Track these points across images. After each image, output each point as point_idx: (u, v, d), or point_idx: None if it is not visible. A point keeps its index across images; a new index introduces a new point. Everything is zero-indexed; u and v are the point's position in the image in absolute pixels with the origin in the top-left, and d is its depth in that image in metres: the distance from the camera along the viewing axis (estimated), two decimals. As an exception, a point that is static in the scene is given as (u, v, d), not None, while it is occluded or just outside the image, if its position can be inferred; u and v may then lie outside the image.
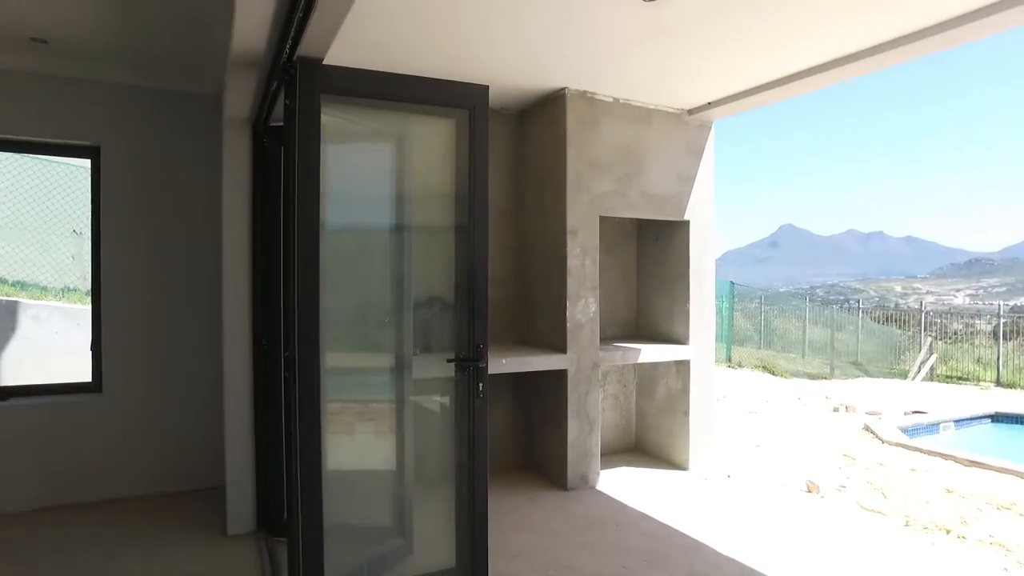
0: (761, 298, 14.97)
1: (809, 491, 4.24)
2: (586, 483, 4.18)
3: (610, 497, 4.04)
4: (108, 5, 3.03)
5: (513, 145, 4.61)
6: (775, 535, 3.49)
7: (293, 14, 1.89)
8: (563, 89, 4.03)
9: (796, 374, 11.23)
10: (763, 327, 14.31)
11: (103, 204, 3.94)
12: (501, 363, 3.74)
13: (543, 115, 4.33)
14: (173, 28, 3.26)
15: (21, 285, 5.54)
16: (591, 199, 4.14)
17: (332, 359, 2.38)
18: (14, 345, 4.83)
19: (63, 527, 3.52)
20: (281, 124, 3.04)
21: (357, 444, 2.95)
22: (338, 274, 2.49)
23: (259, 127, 3.24)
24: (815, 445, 5.51)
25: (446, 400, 2.84)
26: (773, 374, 10.88)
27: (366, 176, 2.78)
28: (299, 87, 2.17)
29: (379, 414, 3.04)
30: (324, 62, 2.22)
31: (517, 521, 3.63)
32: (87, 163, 4.03)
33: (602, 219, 4.25)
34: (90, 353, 4.03)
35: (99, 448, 3.91)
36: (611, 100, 4.19)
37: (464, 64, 3.57)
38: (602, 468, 4.33)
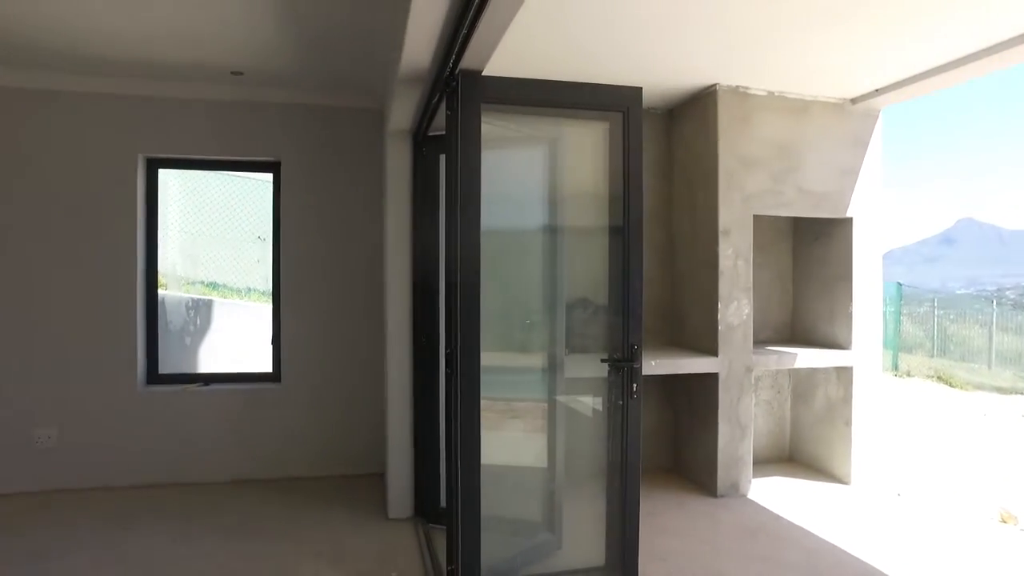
0: (934, 301, 13.46)
1: (1004, 521, 3.77)
2: (737, 491, 4.02)
3: (763, 507, 3.86)
4: (291, 41, 3.42)
5: (661, 144, 4.54)
6: (962, 567, 3.13)
7: (458, 32, 2.01)
8: (713, 86, 3.92)
9: (980, 387, 9.97)
10: (936, 333, 12.85)
11: (282, 212, 4.40)
12: (650, 364, 3.71)
13: (692, 113, 4.23)
14: (343, 54, 3.61)
15: (214, 285, 6.31)
16: (744, 198, 3.98)
17: (486, 357, 2.49)
18: (210, 338, 5.50)
19: (252, 498, 3.98)
20: (439, 133, 3.25)
21: (510, 440, 3.07)
22: (493, 275, 2.60)
23: (418, 137, 3.46)
24: (1010, 469, 4.89)
25: (598, 400, 2.87)
26: (950, 386, 9.76)
27: (520, 180, 2.89)
28: (460, 98, 2.30)
29: (531, 412, 3.14)
30: (483, 73, 2.35)
31: (664, 525, 3.58)
32: (269, 176, 4.52)
33: (755, 218, 4.07)
34: (271, 347, 4.52)
35: (278, 431, 4.37)
36: (765, 94, 4.00)
37: (612, 66, 3.58)
38: (753, 476, 4.15)
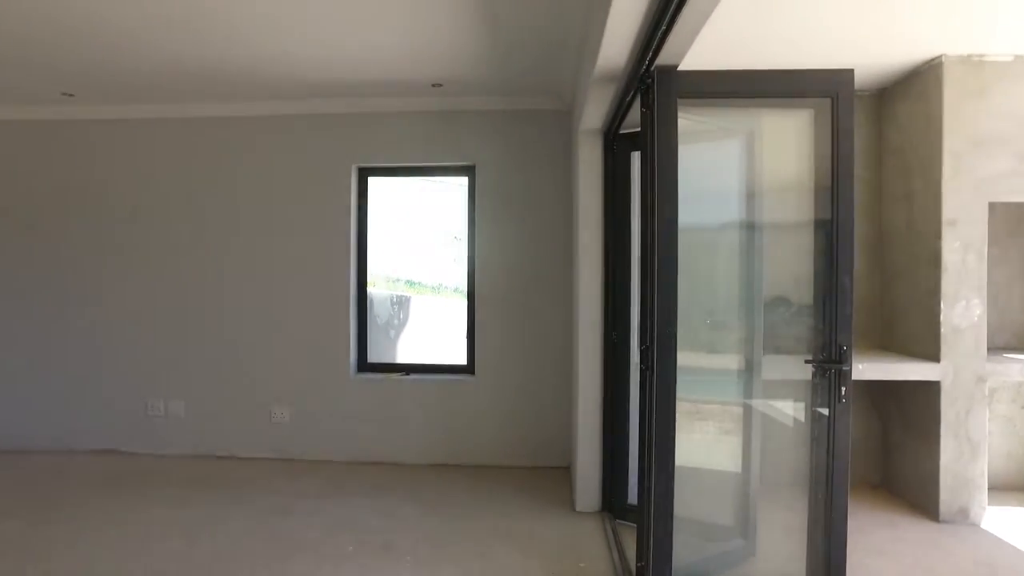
0: None
1: None
2: (966, 518, 3.54)
3: (1002, 540, 3.35)
4: (487, 51, 3.62)
5: (869, 130, 4.13)
6: None
7: (656, 30, 2.01)
8: (938, 58, 3.48)
9: None
10: None
11: (477, 213, 4.67)
12: (857, 368, 3.40)
13: (908, 92, 3.80)
14: (534, 60, 3.75)
15: (410, 283, 6.86)
16: (976, 183, 3.49)
17: (679, 356, 2.45)
18: (409, 331, 5.98)
19: (447, 481, 4.28)
20: (630, 131, 3.26)
21: (701, 441, 3.00)
22: (686, 272, 2.56)
23: (609, 135, 3.49)
24: None
25: (799, 404, 2.71)
26: None
27: (715, 174, 2.81)
28: (656, 94, 2.29)
29: (723, 413, 3.04)
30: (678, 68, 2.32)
31: (873, 545, 3.26)
32: (464, 180, 4.82)
33: (991, 205, 3.55)
34: (465, 341, 4.82)
35: (473, 421, 4.64)
36: (1010, 59, 3.45)
37: (813, 48, 3.33)
38: (989, 503, 3.62)
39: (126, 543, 3.28)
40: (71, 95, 4.48)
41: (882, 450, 4.13)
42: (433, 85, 4.24)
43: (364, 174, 4.84)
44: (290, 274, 4.74)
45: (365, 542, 3.31)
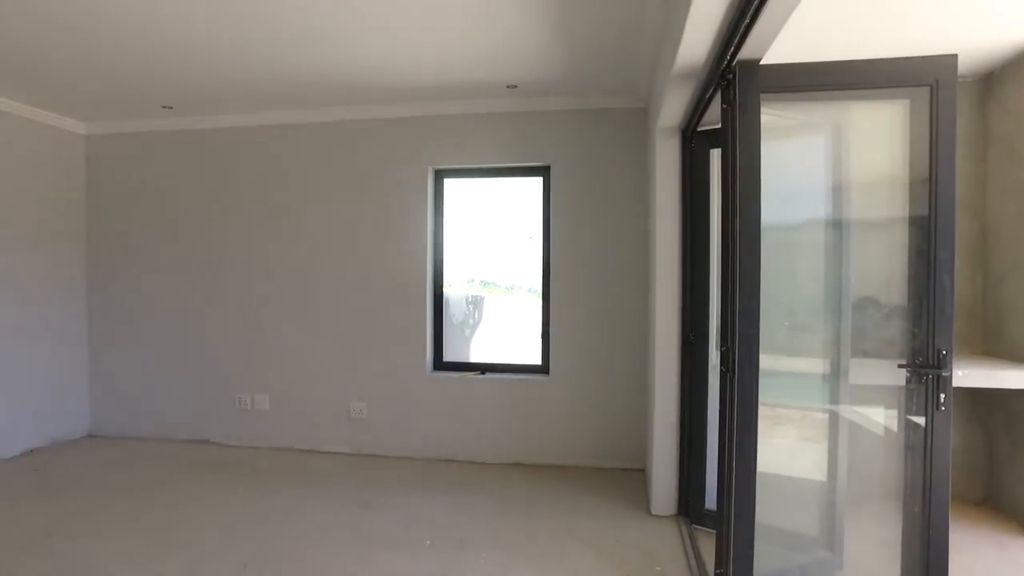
0: None
1: None
2: (1085, 540, 3.25)
3: None
4: (561, 51, 3.62)
5: (972, 118, 3.85)
6: None
7: (739, 23, 1.95)
8: (1055, 37, 3.21)
9: None
10: None
11: (552, 213, 4.68)
12: (957, 375, 3.18)
13: (1020, 74, 3.52)
14: (609, 58, 3.72)
15: (484, 283, 6.91)
16: (1097, 174, 3.20)
17: (760, 359, 2.37)
18: (483, 331, 6.05)
19: (521, 481, 4.30)
20: (708, 128, 3.18)
21: (783, 447, 2.89)
22: (768, 272, 2.47)
23: (687, 132, 3.42)
24: None
25: (891, 411, 2.56)
26: None
27: (799, 170, 2.70)
28: (738, 90, 2.23)
29: (807, 418, 2.92)
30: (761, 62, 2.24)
31: (979, 568, 3.03)
32: (538, 180, 4.83)
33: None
34: (540, 341, 4.83)
35: (547, 421, 4.65)
36: None
37: (906, 34, 3.14)
38: (1110, 525, 3.32)
39: (223, 528, 3.48)
40: (170, 108, 4.80)
41: (987, 464, 3.85)
42: (508, 86, 4.28)
43: (440, 176, 4.94)
44: (370, 274, 4.89)
45: (441, 538, 3.37)
